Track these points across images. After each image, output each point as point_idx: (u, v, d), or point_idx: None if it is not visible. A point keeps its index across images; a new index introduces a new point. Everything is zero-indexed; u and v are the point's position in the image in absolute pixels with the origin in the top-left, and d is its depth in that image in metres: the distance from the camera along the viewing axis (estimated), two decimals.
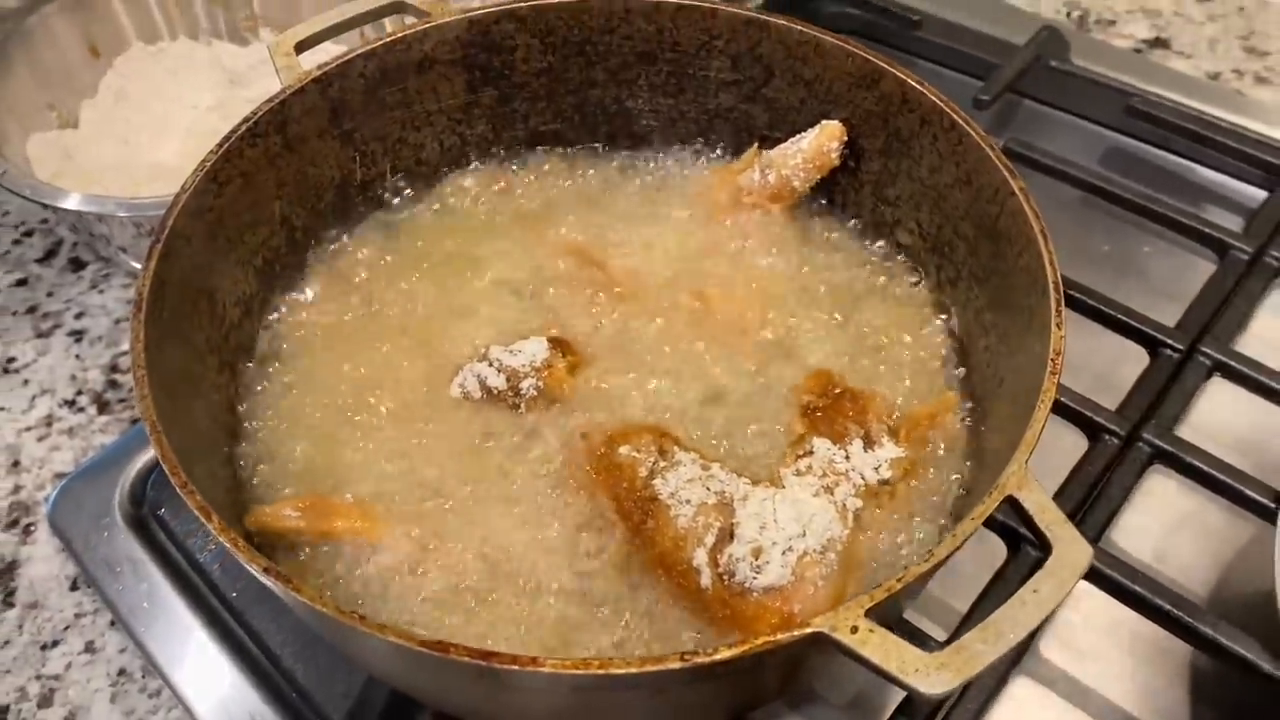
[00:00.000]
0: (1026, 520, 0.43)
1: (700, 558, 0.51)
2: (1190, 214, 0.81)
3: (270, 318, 0.65)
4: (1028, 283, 0.53)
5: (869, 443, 0.57)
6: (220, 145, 0.58)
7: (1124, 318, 0.73)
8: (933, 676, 0.39)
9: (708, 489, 0.54)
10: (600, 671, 0.39)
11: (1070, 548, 0.41)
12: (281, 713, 0.59)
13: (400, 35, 0.65)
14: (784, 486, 0.54)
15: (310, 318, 0.65)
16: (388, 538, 0.53)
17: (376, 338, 0.64)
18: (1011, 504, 0.44)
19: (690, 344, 0.63)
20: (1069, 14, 1.08)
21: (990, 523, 0.60)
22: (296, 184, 0.64)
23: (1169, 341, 0.72)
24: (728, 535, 0.52)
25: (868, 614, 0.40)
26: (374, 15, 0.67)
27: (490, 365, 0.60)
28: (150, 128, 0.87)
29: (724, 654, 0.39)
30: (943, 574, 0.57)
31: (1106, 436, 0.67)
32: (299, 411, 0.60)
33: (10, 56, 0.81)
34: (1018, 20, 0.99)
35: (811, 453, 0.56)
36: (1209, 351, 0.71)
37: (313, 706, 0.60)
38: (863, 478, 0.56)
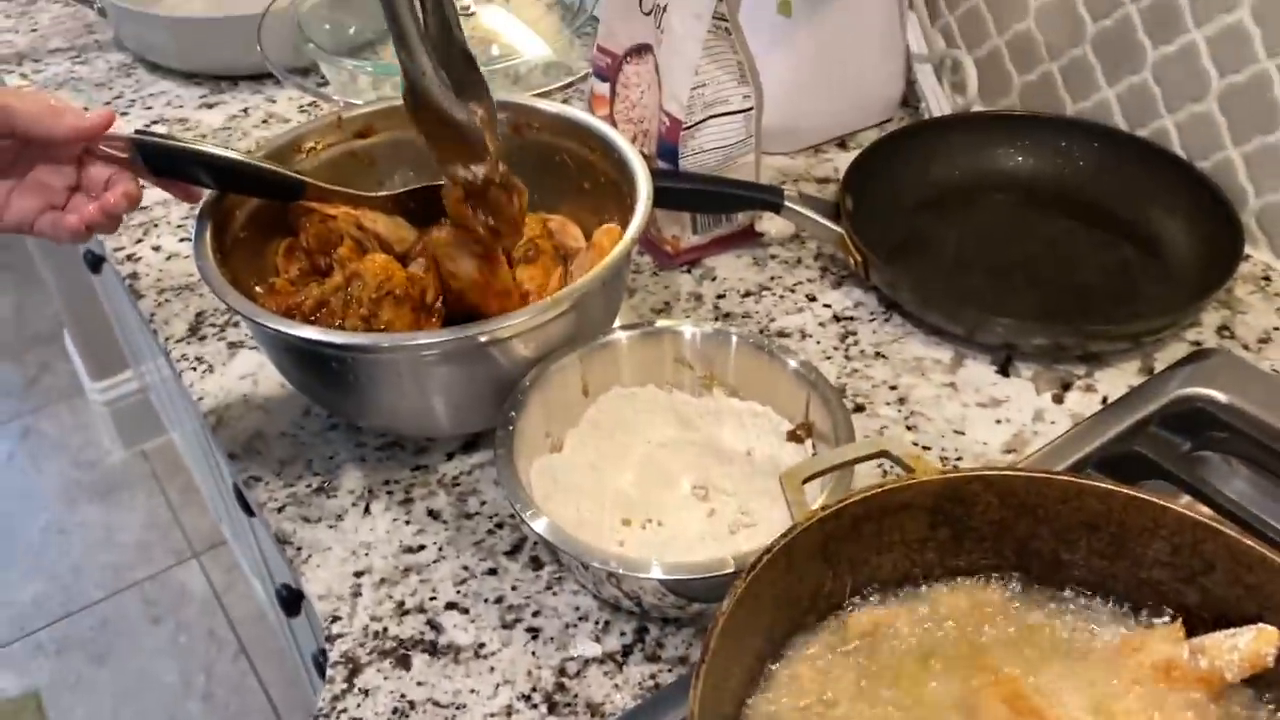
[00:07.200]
0: None
1: None
2: None
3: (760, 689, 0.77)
4: None
5: None
6: (748, 571, 0.72)
7: None
8: None
9: None
10: None
11: None
12: None
13: (891, 487, 0.78)
14: None
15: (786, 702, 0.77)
16: None
17: None
18: None
19: None
20: None
21: None
22: (787, 599, 0.77)
23: None
24: None
25: None
26: (864, 459, 0.81)
27: None
28: (613, 456, 1.05)
29: None
30: None
31: None
32: None
33: (531, 396, 1.01)
34: None
35: None
36: None
37: None
38: None
